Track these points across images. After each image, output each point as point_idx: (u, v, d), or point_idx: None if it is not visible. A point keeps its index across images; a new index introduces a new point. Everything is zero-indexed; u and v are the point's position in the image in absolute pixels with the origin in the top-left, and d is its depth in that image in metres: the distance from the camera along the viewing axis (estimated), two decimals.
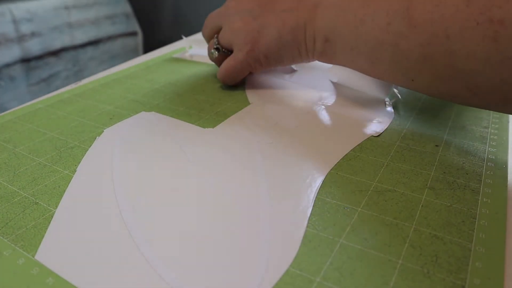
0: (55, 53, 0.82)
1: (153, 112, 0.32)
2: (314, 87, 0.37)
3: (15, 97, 0.80)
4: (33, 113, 0.33)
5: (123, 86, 0.38)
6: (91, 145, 0.27)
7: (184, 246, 0.19)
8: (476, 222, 0.20)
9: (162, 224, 0.20)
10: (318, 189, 0.23)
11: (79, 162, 0.25)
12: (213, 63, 0.44)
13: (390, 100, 0.34)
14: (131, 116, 0.32)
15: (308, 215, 0.21)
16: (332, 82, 0.37)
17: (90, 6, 0.88)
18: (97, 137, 0.28)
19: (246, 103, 0.34)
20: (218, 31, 0.38)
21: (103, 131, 0.29)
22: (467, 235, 0.20)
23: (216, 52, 0.38)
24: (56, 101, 0.35)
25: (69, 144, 0.28)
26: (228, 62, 0.36)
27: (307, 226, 0.20)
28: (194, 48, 0.50)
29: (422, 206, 0.21)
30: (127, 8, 0.97)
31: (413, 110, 0.32)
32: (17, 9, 0.73)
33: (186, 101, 0.34)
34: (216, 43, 0.38)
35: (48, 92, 0.40)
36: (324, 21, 0.30)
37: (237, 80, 0.37)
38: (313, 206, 0.21)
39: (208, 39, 0.40)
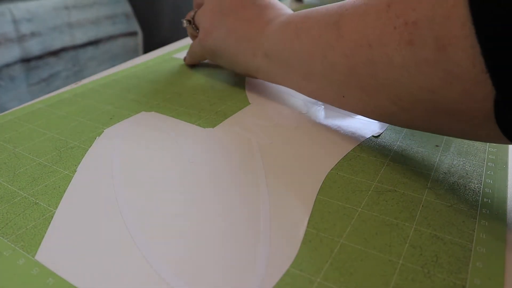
0: (55, 53, 0.82)
1: (153, 112, 0.32)
2: None
3: (15, 97, 0.81)
4: (33, 113, 0.33)
5: (123, 86, 0.38)
6: (91, 145, 0.27)
7: (184, 246, 0.19)
8: (477, 222, 0.20)
9: (162, 224, 0.20)
10: (318, 189, 0.23)
11: (79, 162, 0.25)
12: (212, 63, 0.44)
13: None
14: (131, 116, 0.32)
15: (309, 215, 0.21)
16: None
17: (90, 6, 0.88)
18: (97, 137, 0.28)
19: (246, 103, 0.34)
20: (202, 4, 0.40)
21: (103, 131, 0.29)
22: (467, 235, 0.19)
23: (187, 24, 0.41)
24: (56, 101, 0.35)
25: (69, 144, 0.28)
26: (193, 42, 0.41)
27: (308, 226, 0.20)
28: None
29: (422, 206, 0.21)
30: (127, 8, 0.97)
31: None
32: (17, 9, 0.73)
33: (186, 101, 0.34)
34: (192, 15, 0.40)
35: (48, 92, 0.40)
36: (268, 37, 0.31)
37: (193, 61, 0.43)
38: (314, 206, 0.21)
39: (195, 7, 0.42)
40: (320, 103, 0.34)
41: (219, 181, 0.23)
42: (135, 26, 1.00)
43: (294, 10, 0.33)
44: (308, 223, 0.20)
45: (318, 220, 0.20)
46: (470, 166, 0.25)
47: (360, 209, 0.21)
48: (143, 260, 0.18)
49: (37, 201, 0.22)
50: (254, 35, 0.32)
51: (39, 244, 0.19)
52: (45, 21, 0.77)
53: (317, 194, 0.22)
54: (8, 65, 0.75)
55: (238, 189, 0.23)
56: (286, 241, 0.19)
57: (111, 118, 0.31)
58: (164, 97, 0.35)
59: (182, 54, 0.48)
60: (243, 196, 0.22)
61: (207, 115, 0.32)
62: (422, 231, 0.20)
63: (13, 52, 0.74)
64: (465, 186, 0.23)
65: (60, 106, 0.34)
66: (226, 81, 0.39)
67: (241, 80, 0.39)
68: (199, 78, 0.40)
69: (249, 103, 0.33)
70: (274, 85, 0.37)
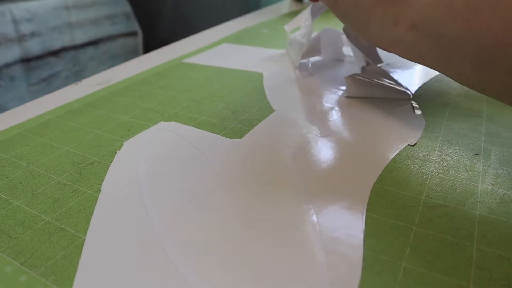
0: (55, 53, 0.80)
1: (173, 122, 0.30)
2: (337, 88, 0.35)
3: (15, 97, 0.78)
4: (42, 125, 0.31)
5: (136, 94, 0.36)
6: (112, 160, 0.26)
7: (233, 275, 0.17)
8: None
9: (205, 248, 0.18)
10: (366, 206, 0.21)
11: (102, 180, 0.24)
12: (224, 67, 0.42)
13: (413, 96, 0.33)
14: (150, 126, 0.30)
15: (363, 235, 0.19)
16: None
17: (90, 6, 0.86)
18: (117, 151, 0.27)
19: (270, 110, 0.32)
20: None
21: (122, 144, 0.27)
22: None
23: None
24: (65, 111, 0.33)
25: (87, 160, 0.26)
26: None
27: (365, 249, 0.18)
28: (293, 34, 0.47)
29: (478, 222, 0.20)
30: (127, 8, 0.95)
31: (443, 116, 0.31)
32: (17, 9, 0.71)
33: (206, 109, 0.33)
34: None
35: (48, 92, 0.38)
36: (421, 1, 0.23)
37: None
38: (366, 225, 0.20)
39: None
40: (347, 108, 0.32)
41: (258, 199, 0.22)
42: (135, 26, 0.98)
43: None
44: (364, 244, 0.19)
45: (374, 241, 0.19)
46: None
47: (414, 227, 0.20)
48: None
49: (63, 226, 0.20)
50: None
51: (73, 277, 0.17)
52: (45, 21, 0.75)
53: (366, 212, 0.21)
54: (8, 65, 0.73)
55: (281, 207, 0.21)
56: (346, 266, 0.17)
57: (128, 130, 0.30)
58: (181, 105, 0.33)
59: (192, 60, 0.46)
60: (287, 216, 0.21)
61: (231, 124, 0.30)
62: (485, 250, 0.18)
63: (13, 52, 0.73)
64: None
65: (71, 117, 0.32)
66: (244, 86, 0.37)
67: (259, 85, 0.37)
68: (214, 84, 0.38)
69: (273, 110, 0.32)
70: (295, 89, 0.36)
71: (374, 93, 0.34)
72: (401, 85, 0.35)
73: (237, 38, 0.55)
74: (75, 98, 0.36)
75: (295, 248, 0.18)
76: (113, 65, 0.43)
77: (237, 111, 0.32)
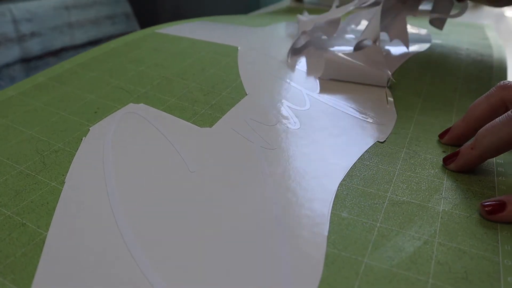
0: (55, 53, 0.78)
1: (142, 105, 0.29)
2: (315, 70, 0.35)
3: None
4: (5, 103, 0.29)
5: (105, 68, 0.35)
6: (77, 148, 0.25)
7: (197, 275, 0.17)
8: (499, 233, 0.20)
9: (171, 250, 0.18)
10: (332, 204, 0.21)
11: (66, 171, 0.23)
12: (198, 39, 0.41)
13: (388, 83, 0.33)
14: (118, 108, 0.29)
15: (327, 233, 0.19)
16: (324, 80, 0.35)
17: (90, 6, 0.83)
18: (83, 137, 0.26)
19: (243, 93, 0.31)
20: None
21: (88, 129, 0.27)
22: (492, 248, 0.19)
23: None
24: (30, 86, 0.32)
25: (52, 147, 0.25)
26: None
27: (327, 246, 0.19)
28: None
29: (441, 218, 0.21)
30: (127, 8, 0.91)
31: (414, 109, 0.31)
32: (17, 9, 0.69)
33: (177, 89, 0.32)
34: None
35: None
36: None
37: None
38: (330, 222, 0.20)
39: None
40: (319, 97, 0.32)
41: (224, 196, 0.21)
42: (135, 26, 0.95)
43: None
44: (328, 242, 0.19)
45: (337, 238, 0.19)
46: (481, 172, 0.24)
47: (378, 224, 0.20)
48: None
49: (24, 222, 0.20)
50: None
51: (33, 276, 0.17)
52: (45, 21, 0.74)
53: (331, 209, 0.21)
54: (8, 65, 0.71)
55: (246, 205, 0.21)
56: (308, 263, 0.18)
57: (95, 112, 0.28)
58: (151, 83, 0.32)
59: (166, 30, 0.44)
60: (252, 212, 0.20)
61: (202, 109, 0.29)
62: (446, 245, 0.19)
63: (13, 52, 0.71)
64: (480, 194, 0.22)
65: (36, 94, 0.31)
66: (217, 62, 0.36)
67: (233, 61, 0.36)
68: (186, 58, 0.37)
69: (246, 94, 0.31)
70: (270, 71, 0.35)
71: (349, 77, 0.34)
72: (384, 65, 0.34)
73: (214, 19, 0.53)
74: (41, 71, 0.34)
75: (258, 245, 0.18)
76: None
77: (209, 92, 0.31)
